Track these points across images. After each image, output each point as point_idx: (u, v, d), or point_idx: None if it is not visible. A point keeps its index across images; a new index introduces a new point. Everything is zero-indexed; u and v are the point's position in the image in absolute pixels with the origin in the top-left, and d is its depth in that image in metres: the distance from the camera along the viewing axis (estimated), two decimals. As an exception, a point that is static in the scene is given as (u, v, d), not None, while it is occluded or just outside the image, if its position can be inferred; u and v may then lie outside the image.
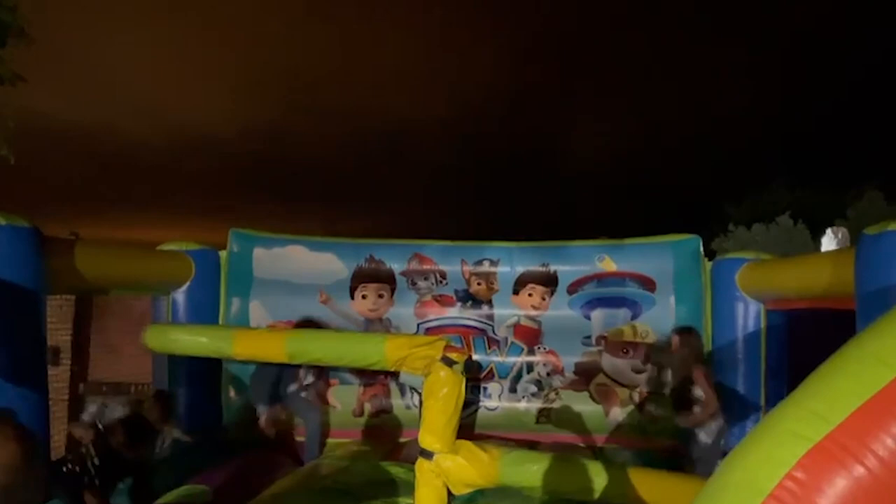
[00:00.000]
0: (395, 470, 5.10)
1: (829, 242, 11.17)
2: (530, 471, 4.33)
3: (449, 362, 4.39)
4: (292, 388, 6.20)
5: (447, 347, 4.51)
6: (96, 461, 3.80)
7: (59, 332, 7.78)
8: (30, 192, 9.90)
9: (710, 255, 6.69)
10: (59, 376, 7.89)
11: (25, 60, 7.60)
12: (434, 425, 4.40)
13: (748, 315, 6.15)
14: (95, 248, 5.53)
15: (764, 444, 1.64)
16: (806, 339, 5.91)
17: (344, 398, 6.72)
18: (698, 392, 5.26)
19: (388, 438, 6.51)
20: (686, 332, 5.81)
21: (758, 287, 5.98)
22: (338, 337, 5.48)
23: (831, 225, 12.29)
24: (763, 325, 6.11)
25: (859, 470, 1.49)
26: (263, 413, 6.07)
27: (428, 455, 4.40)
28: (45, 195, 10.55)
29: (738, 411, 5.73)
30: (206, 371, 6.64)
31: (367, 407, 6.72)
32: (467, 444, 4.48)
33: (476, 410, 6.64)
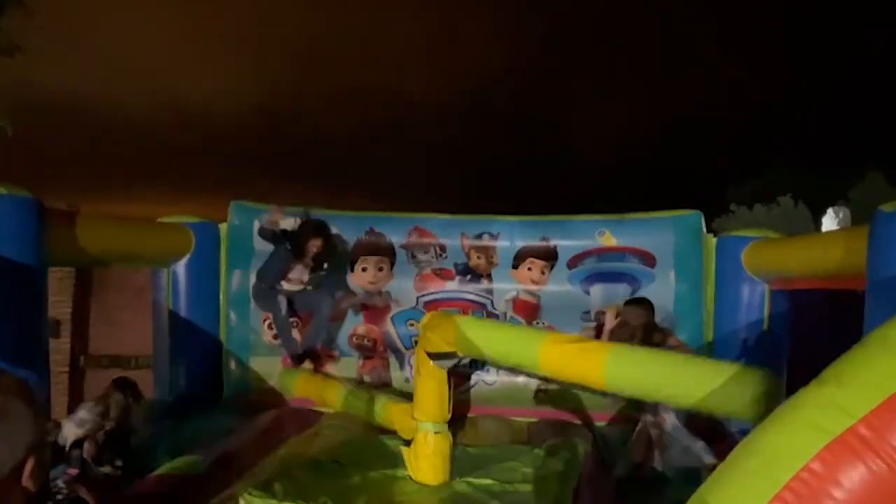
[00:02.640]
0: (394, 443, 5.13)
1: (830, 222, 11.16)
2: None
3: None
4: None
5: None
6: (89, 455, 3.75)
7: (59, 304, 7.76)
8: (29, 165, 9.81)
9: (711, 232, 6.67)
10: (59, 349, 7.87)
11: (27, 33, 7.46)
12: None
13: (753, 295, 6.12)
14: (96, 220, 5.50)
15: (782, 433, 1.63)
16: (808, 321, 5.94)
17: (343, 370, 6.74)
18: None
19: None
20: (628, 303, 5.70)
21: (763, 266, 5.95)
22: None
23: (832, 206, 12.27)
24: (767, 305, 6.09)
25: (878, 465, 1.48)
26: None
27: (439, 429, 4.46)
28: (45, 169, 10.46)
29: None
30: (206, 344, 6.65)
31: (367, 379, 6.74)
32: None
33: (474, 385, 6.66)
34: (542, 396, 6.61)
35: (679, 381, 3.35)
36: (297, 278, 6.21)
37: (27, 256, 4.44)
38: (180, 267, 6.56)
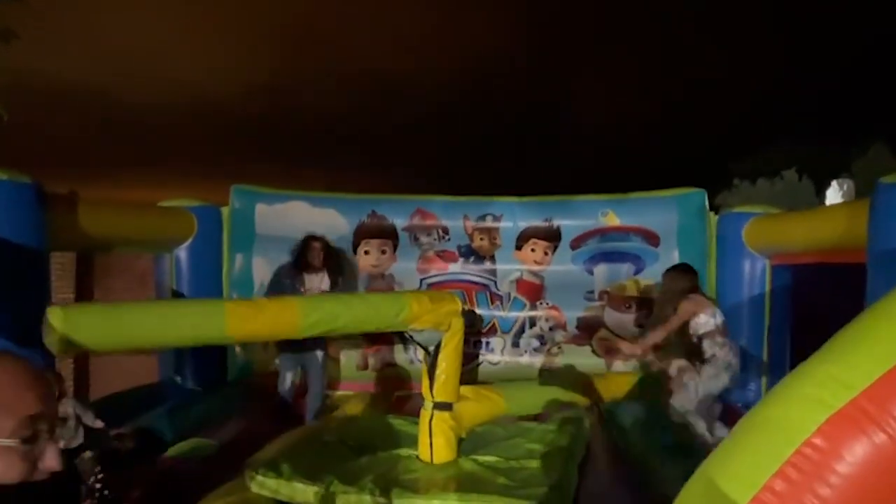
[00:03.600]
0: (398, 422, 5.17)
1: (834, 195, 11.11)
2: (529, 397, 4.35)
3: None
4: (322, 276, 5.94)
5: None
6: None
7: (61, 290, 7.76)
8: (30, 151, 9.79)
9: (714, 210, 6.66)
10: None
11: (26, 20, 7.41)
12: (452, 378, 4.47)
13: (754, 271, 6.14)
14: (97, 205, 5.49)
15: (782, 409, 1.63)
16: (809, 295, 5.94)
17: (349, 353, 6.77)
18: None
19: (393, 391, 6.58)
20: (668, 270, 5.60)
21: (765, 242, 5.96)
22: (360, 299, 5.00)
23: (836, 179, 12.20)
24: (768, 280, 6.11)
25: (881, 437, 1.48)
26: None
27: (446, 407, 4.47)
28: (45, 155, 10.44)
29: (740, 368, 5.77)
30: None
31: (372, 361, 6.78)
32: (472, 389, 4.57)
33: (479, 365, 6.70)
34: (546, 374, 6.65)
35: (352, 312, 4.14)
36: (317, 287, 5.86)
37: (28, 241, 4.46)
38: (183, 251, 6.57)
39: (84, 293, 8.20)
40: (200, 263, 6.65)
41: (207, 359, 6.63)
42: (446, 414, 4.47)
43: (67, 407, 4.21)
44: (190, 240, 6.56)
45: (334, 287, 5.90)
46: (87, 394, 7.83)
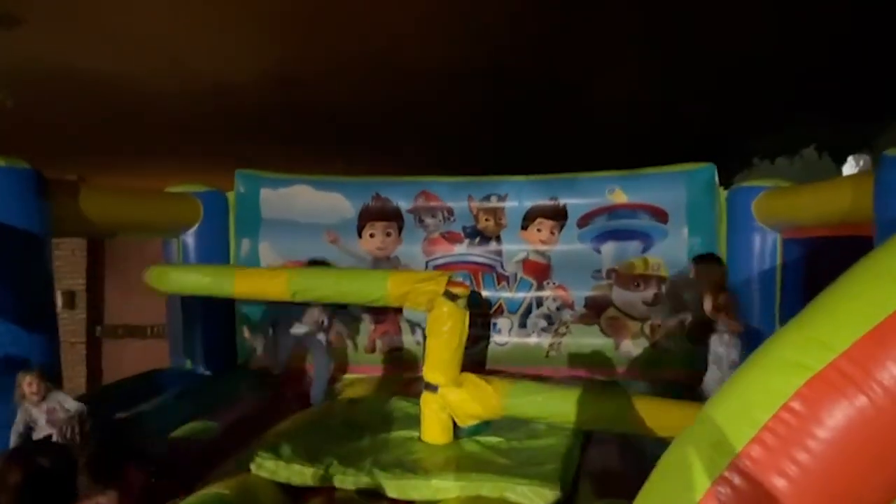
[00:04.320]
0: (404, 404, 5.15)
1: (850, 170, 10.86)
2: (535, 402, 4.34)
3: (451, 297, 4.37)
4: (306, 328, 6.11)
5: (450, 282, 4.48)
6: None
7: (73, 276, 7.87)
8: (41, 139, 9.85)
9: (725, 185, 6.53)
10: (74, 320, 8.00)
11: (34, 6, 7.41)
12: (438, 359, 4.43)
13: (764, 245, 6.01)
14: (100, 191, 5.52)
15: (760, 372, 1.56)
16: (823, 269, 5.80)
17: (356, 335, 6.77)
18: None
19: (400, 374, 6.56)
20: (702, 259, 5.69)
21: (775, 215, 5.83)
22: (340, 274, 5.46)
23: (853, 155, 11.93)
24: (779, 255, 5.99)
25: (862, 400, 1.41)
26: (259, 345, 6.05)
27: (433, 388, 4.44)
28: (58, 143, 10.50)
29: (752, 345, 5.67)
30: (219, 311, 6.69)
31: (379, 344, 6.77)
32: (471, 377, 4.51)
33: (486, 346, 6.66)
34: (554, 355, 6.60)
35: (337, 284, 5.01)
36: (314, 320, 5.98)
37: (28, 227, 4.48)
38: (190, 236, 6.59)
39: (95, 279, 8.28)
40: (207, 248, 6.66)
41: (216, 343, 6.67)
42: (435, 395, 4.47)
43: (53, 402, 4.24)
44: (196, 225, 6.57)
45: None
46: (99, 379, 7.92)
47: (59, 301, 7.95)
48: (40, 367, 4.32)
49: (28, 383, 4.18)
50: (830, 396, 1.44)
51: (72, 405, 4.26)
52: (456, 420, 4.47)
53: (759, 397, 1.52)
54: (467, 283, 5.79)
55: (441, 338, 4.41)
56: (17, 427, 4.19)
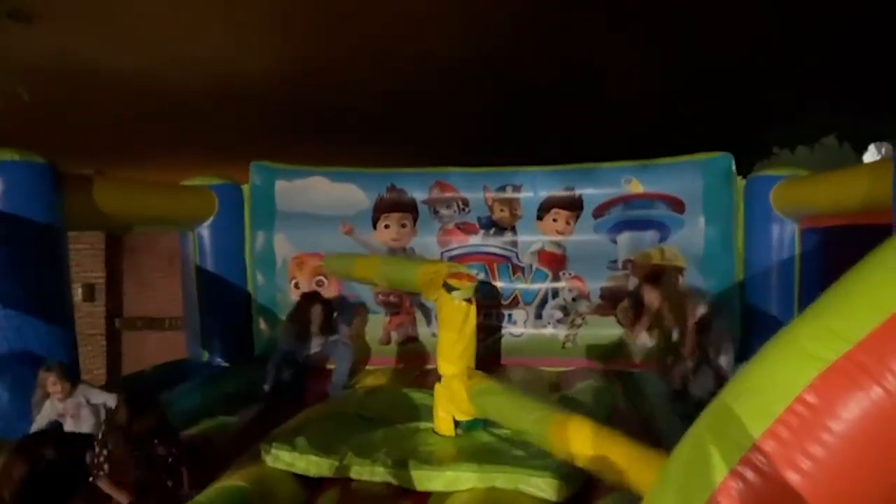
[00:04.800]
0: (418, 396, 5.15)
1: (871, 158, 10.68)
2: (491, 403, 4.22)
3: (448, 289, 4.37)
4: (323, 339, 6.07)
5: (453, 274, 4.48)
6: (108, 447, 3.69)
7: (92, 269, 7.96)
8: (58, 132, 9.96)
9: (742, 175, 6.45)
10: (94, 312, 8.10)
11: (56, 2, 7.49)
12: (447, 351, 4.43)
13: (783, 235, 5.96)
14: (115, 184, 5.55)
15: (774, 364, 1.54)
16: (841, 258, 5.72)
17: (371, 327, 6.78)
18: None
19: (415, 366, 6.57)
20: (657, 280, 5.60)
21: (793, 204, 5.76)
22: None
23: (874, 143, 11.75)
24: (797, 244, 5.92)
25: (877, 392, 1.38)
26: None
27: (439, 378, 4.49)
28: (74, 136, 10.61)
29: (771, 336, 5.60)
30: (236, 303, 6.74)
31: (394, 335, 6.78)
32: (475, 372, 4.51)
33: (501, 337, 6.64)
34: (570, 346, 6.57)
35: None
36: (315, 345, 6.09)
37: (44, 220, 4.53)
38: (205, 229, 6.63)
39: (114, 271, 8.36)
40: (223, 241, 6.70)
41: (233, 335, 6.71)
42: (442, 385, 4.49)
43: (79, 398, 4.27)
44: (212, 218, 6.61)
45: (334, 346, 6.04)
46: (119, 370, 8.01)
47: (79, 294, 8.07)
48: (60, 365, 4.32)
49: (52, 382, 4.20)
50: (845, 388, 1.41)
51: (101, 398, 4.28)
52: (455, 414, 4.47)
53: (773, 389, 1.50)
54: (478, 274, 5.74)
55: (448, 329, 4.43)
56: (39, 424, 4.20)
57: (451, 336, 4.43)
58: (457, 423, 4.49)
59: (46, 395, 4.24)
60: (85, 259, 7.98)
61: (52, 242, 4.66)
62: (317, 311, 5.96)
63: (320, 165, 7.00)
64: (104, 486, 3.55)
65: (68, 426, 4.21)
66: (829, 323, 1.49)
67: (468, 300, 4.46)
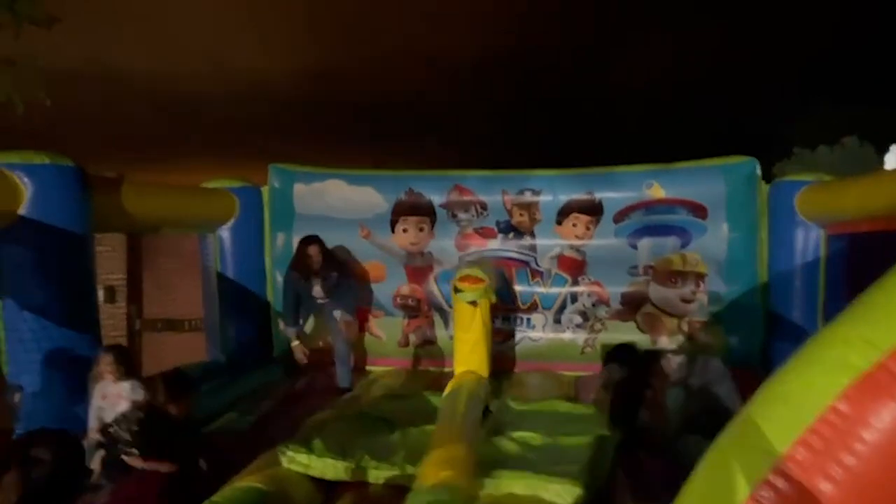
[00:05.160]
0: (436, 399, 5.13)
1: (893, 159, 10.50)
2: None
3: (456, 290, 4.37)
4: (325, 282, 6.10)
5: (462, 277, 4.49)
6: (134, 427, 3.72)
7: (113, 271, 8.03)
8: (80, 136, 10.08)
9: (771, 179, 6.37)
10: (115, 314, 8.18)
11: (77, 6, 7.59)
12: (460, 353, 4.43)
13: (808, 241, 5.87)
14: (140, 187, 5.59)
15: (805, 373, 1.49)
16: (868, 265, 5.62)
17: (389, 329, 6.78)
18: None
19: (432, 368, 6.55)
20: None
21: (818, 210, 5.67)
22: None
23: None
24: (823, 250, 5.82)
25: (912, 402, 1.34)
26: (292, 334, 6.12)
27: None
28: (96, 139, 10.75)
29: (795, 344, 5.50)
30: (255, 305, 6.77)
31: (412, 338, 6.77)
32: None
33: (520, 341, 6.60)
34: (589, 352, 6.51)
35: None
36: (318, 295, 6.14)
37: (72, 222, 4.57)
38: (226, 231, 6.66)
39: (134, 273, 8.43)
40: (243, 243, 6.74)
41: (253, 337, 6.74)
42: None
43: (123, 388, 4.29)
44: (232, 220, 6.64)
45: (337, 286, 6.06)
46: (139, 371, 8.04)
47: (101, 295, 8.14)
48: (120, 349, 4.46)
49: (107, 363, 4.27)
50: (878, 397, 1.37)
51: (134, 394, 4.30)
52: None
53: (804, 398, 1.45)
54: (486, 277, 5.67)
55: (456, 329, 4.45)
56: (94, 404, 4.25)
57: (459, 336, 4.46)
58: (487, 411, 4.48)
59: (101, 375, 4.29)
60: (106, 261, 8.05)
61: (79, 244, 4.69)
62: (314, 251, 5.99)
63: (338, 168, 7.01)
64: (137, 463, 3.58)
65: (107, 413, 4.22)
66: (862, 331, 1.44)
67: (472, 303, 4.46)
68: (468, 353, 4.49)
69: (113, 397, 4.26)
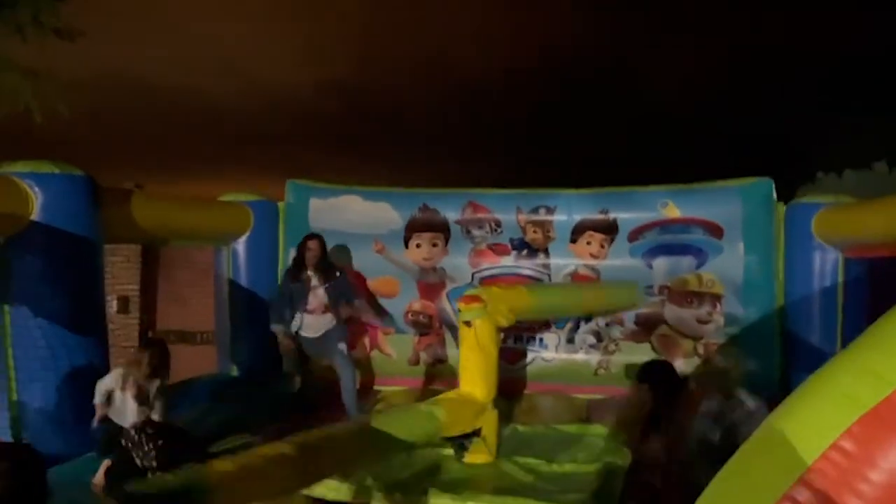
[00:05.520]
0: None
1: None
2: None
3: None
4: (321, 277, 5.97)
5: (463, 297, 4.47)
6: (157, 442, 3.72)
7: (127, 282, 8.09)
8: (101, 146, 10.20)
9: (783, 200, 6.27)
10: (128, 324, 8.23)
11: (101, 16, 7.72)
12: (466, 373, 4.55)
13: (825, 264, 5.75)
14: (152, 199, 5.63)
15: (809, 406, 1.43)
16: (888, 290, 5.49)
17: (399, 347, 6.74)
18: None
19: (443, 387, 6.47)
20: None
21: (836, 233, 5.56)
22: None
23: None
24: (840, 274, 5.70)
25: (921, 441, 1.27)
26: (279, 332, 6.02)
27: None
28: (117, 149, 10.87)
29: (811, 369, 5.37)
30: (266, 320, 6.75)
31: (423, 356, 6.72)
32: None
33: (532, 361, 6.52)
34: (603, 373, 6.42)
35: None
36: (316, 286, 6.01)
37: (82, 232, 4.59)
38: (240, 245, 6.69)
39: (148, 284, 8.48)
40: (257, 257, 6.76)
41: (264, 351, 6.71)
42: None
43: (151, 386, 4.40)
44: (247, 234, 6.66)
45: (326, 287, 5.96)
46: (167, 373, 8.09)
47: (114, 306, 8.21)
48: (161, 347, 4.55)
49: (150, 356, 4.38)
50: (886, 436, 1.30)
51: (139, 415, 4.30)
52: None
53: (807, 434, 1.39)
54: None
55: (465, 351, 4.43)
56: (103, 386, 4.32)
57: (461, 354, 4.45)
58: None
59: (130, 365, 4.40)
60: (120, 271, 8.13)
61: (89, 254, 4.73)
62: (314, 244, 5.96)
63: (355, 183, 7.03)
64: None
65: (116, 400, 4.32)
66: (871, 363, 1.38)
67: (467, 322, 4.43)
68: (463, 373, 4.47)
69: (120, 402, 4.30)
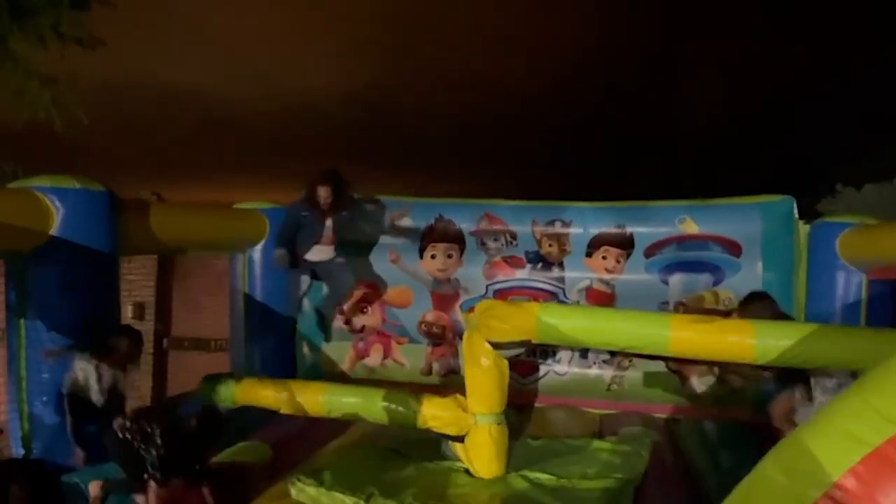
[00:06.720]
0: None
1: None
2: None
3: None
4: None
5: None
6: (161, 450, 3.73)
7: (143, 289, 8.15)
8: (123, 154, 10.31)
9: (814, 217, 6.17)
10: (143, 332, 8.29)
11: (124, 24, 7.81)
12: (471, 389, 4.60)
13: (849, 285, 5.63)
14: (170, 209, 5.67)
15: (813, 444, 1.38)
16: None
17: (412, 356, 6.71)
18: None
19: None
20: (758, 299, 4.78)
21: (861, 254, 5.45)
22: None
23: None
24: (864, 296, 5.58)
25: (925, 484, 1.21)
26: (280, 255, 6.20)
27: None
28: (144, 155, 10.99)
29: (831, 394, 5.25)
30: (280, 328, 6.78)
31: (436, 366, 6.69)
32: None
33: (544, 376, 6.45)
34: (616, 389, 6.33)
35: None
36: (323, 251, 6.32)
37: (100, 246, 4.63)
38: (256, 252, 6.71)
39: (163, 291, 8.54)
40: (273, 265, 6.74)
41: (277, 358, 6.74)
42: (493, 427, 4.36)
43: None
44: (263, 241, 6.68)
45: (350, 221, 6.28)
46: (164, 390, 8.13)
47: (129, 312, 8.27)
48: (136, 336, 4.77)
49: (128, 345, 4.61)
50: (889, 476, 1.25)
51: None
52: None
53: (808, 473, 1.34)
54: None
55: (470, 368, 4.36)
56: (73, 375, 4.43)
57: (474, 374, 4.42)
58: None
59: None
60: (137, 278, 8.20)
61: (106, 268, 4.77)
62: (324, 192, 6.07)
63: (373, 193, 7.04)
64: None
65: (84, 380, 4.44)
66: (874, 402, 1.32)
67: None
68: (468, 384, 4.50)
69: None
